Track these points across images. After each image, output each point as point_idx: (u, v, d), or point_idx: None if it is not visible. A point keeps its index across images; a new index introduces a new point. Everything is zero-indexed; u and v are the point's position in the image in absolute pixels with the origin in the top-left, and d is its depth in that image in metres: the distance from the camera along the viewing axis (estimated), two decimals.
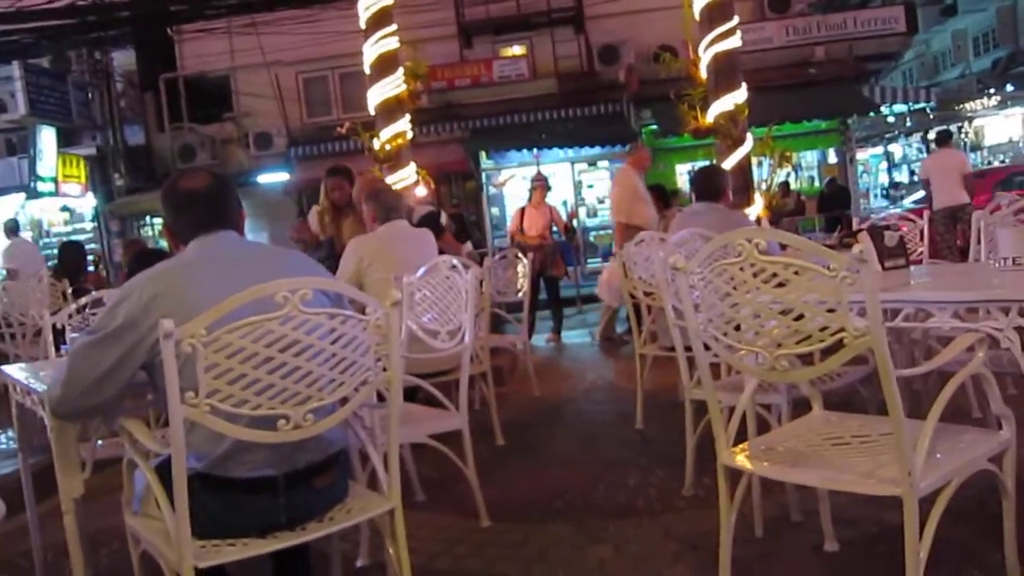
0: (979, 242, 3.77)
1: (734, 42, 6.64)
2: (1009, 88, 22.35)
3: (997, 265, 2.82)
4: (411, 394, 3.57)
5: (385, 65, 7.24)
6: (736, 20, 6.69)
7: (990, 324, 2.28)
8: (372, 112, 7.37)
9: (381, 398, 2.34)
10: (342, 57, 14.76)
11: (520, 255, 6.28)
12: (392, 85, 7.25)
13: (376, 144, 7.29)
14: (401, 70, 7.31)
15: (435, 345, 3.49)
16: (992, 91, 23.00)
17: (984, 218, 3.82)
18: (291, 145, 16.86)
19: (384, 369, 2.16)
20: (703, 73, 6.74)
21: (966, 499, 2.06)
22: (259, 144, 17.03)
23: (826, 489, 2.56)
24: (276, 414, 1.95)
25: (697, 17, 6.72)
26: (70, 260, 7.99)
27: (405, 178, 7.29)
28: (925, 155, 25.62)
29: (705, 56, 6.67)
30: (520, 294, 6.21)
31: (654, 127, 16.18)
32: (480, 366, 4.65)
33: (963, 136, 24.91)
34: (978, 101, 22.90)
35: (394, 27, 7.26)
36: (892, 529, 1.98)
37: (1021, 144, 23.39)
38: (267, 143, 17.00)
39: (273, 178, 17.19)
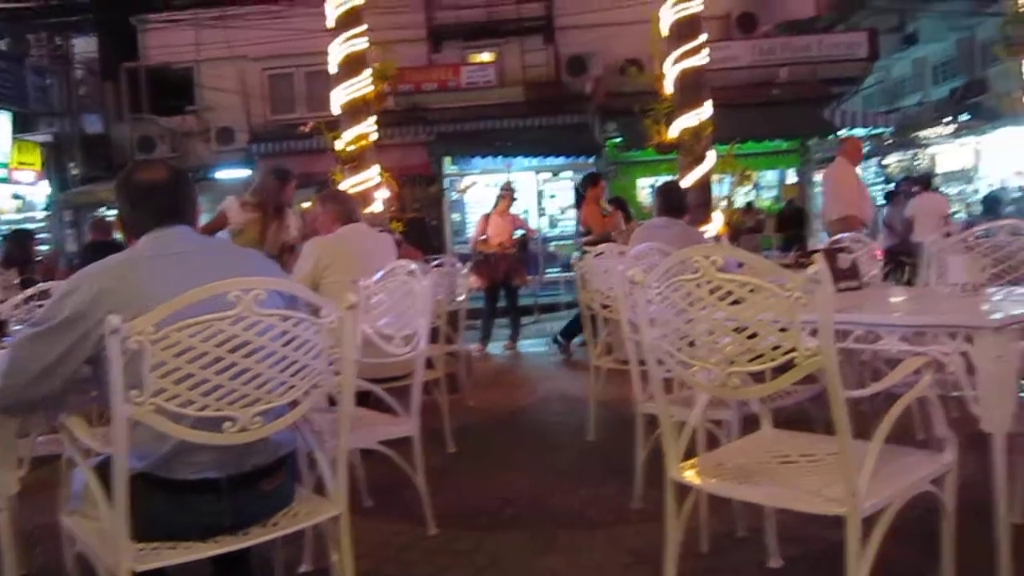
0: (929, 267, 3.84)
1: (701, 59, 6.72)
2: (964, 117, 22.88)
3: (947, 291, 2.88)
4: (362, 399, 3.54)
5: (353, 65, 7.20)
6: (704, 38, 6.78)
7: (937, 348, 2.33)
8: (337, 112, 7.32)
9: (332, 402, 2.31)
10: (309, 55, 14.64)
11: (458, 263, 6.22)
12: (359, 86, 7.20)
13: (340, 144, 7.24)
14: (369, 71, 7.27)
15: (389, 350, 3.46)
16: (948, 119, 23.52)
17: (935, 245, 3.89)
18: (253, 141, 16.69)
19: (336, 373, 2.13)
20: (669, 88, 6.81)
21: (908, 519, 2.09)
22: (221, 139, 16.85)
23: (772, 506, 2.58)
24: (223, 416, 1.91)
25: (665, 33, 6.79)
26: (18, 249, 7.80)
27: (368, 180, 7.25)
28: (882, 178, 26.16)
29: (671, 72, 6.74)
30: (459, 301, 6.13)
31: (618, 140, 16.29)
32: (434, 372, 4.63)
33: (918, 163, 25.47)
34: (935, 129, 23.40)
35: (364, 27, 7.23)
36: (835, 547, 2.00)
37: (972, 173, 23.95)
38: (229, 138, 16.82)
39: (233, 174, 16.99)
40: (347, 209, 4.55)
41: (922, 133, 22.87)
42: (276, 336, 1.96)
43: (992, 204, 12.43)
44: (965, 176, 22.86)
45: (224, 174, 16.98)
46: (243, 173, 16.90)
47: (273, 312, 1.94)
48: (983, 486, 2.38)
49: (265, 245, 5.18)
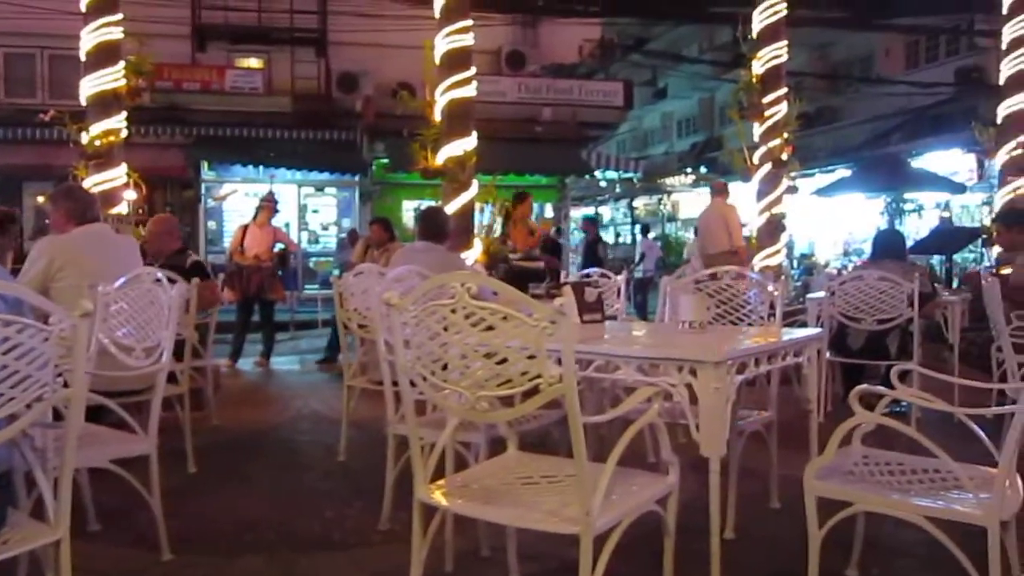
0: (664, 305, 4.20)
1: (469, 91, 6.91)
2: (703, 169, 25.24)
3: (679, 327, 3.16)
4: (96, 414, 3.27)
5: (105, 55, 6.68)
6: (473, 71, 6.98)
7: (666, 379, 2.55)
8: (84, 103, 6.76)
9: (59, 416, 2.13)
10: (55, 37, 13.45)
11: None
12: (110, 77, 6.70)
13: (85, 138, 6.68)
14: (123, 63, 6.78)
15: (128, 362, 3.24)
16: (689, 170, 25.84)
17: (670, 283, 4.26)
18: None
19: (65, 385, 1.97)
20: (438, 115, 6.93)
21: (636, 537, 2.24)
22: None
23: (514, 526, 2.69)
24: None
25: (437, 61, 6.92)
26: None
27: (114, 178, 6.74)
28: (630, 220, 28.12)
29: (441, 100, 6.87)
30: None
31: (385, 161, 16.33)
32: (178, 387, 4.38)
33: (662, 207, 27.69)
34: (677, 178, 25.59)
35: (120, 16, 6.75)
36: (571, 564, 2.12)
37: None
38: None
39: None
40: (84, 207, 4.18)
41: (667, 180, 24.91)
42: None
43: None
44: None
45: None
46: None
47: None
48: (703, 506, 2.63)
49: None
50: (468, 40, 6.92)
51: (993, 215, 8.24)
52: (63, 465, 2.03)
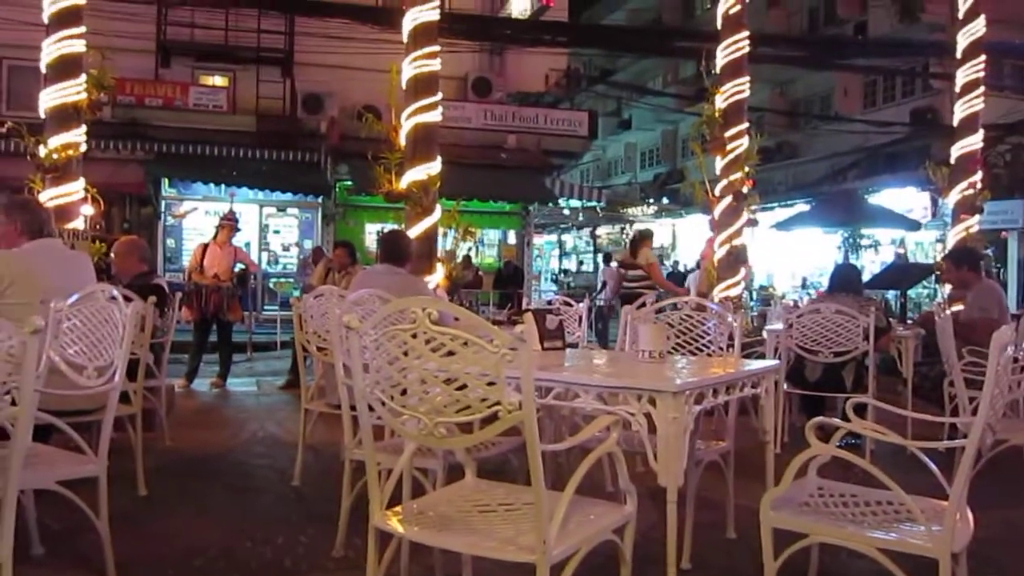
0: (625, 333, 4.22)
1: (435, 116, 6.92)
2: (664, 201, 25.56)
3: (639, 356, 3.17)
4: (45, 433, 3.19)
5: (65, 67, 6.59)
6: (439, 96, 6.99)
7: (624, 408, 2.55)
8: (43, 115, 6.65)
9: (5, 435, 2.07)
10: (15, 48, 13.26)
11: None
12: (71, 90, 6.60)
13: (43, 151, 6.56)
14: (84, 76, 6.70)
15: (80, 381, 3.16)
16: (651, 201, 26.16)
17: (631, 313, 4.28)
18: None
19: (13, 403, 1.92)
20: (402, 140, 6.93)
21: (592, 566, 2.24)
22: None
23: (470, 554, 2.66)
24: None
25: (404, 86, 6.93)
26: None
27: (72, 193, 6.63)
28: (592, 247, 28.34)
29: (406, 124, 6.88)
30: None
31: (349, 183, 16.29)
32: (130, 408, 4.29)
33: (624, 236, 27.94)
34: (639, 208, 25.89)
35: (83, 29, 6.67)
36: None
37: (670, 250, 26.72)
38: None
39: None
40: (38, 221, 4.08)
41: (629, 210, 25.17)
42: None
43: (680, 280, 13.92)
44: (664, 252, 25.40)
45: None
46: None
47: None
48: (660, 535, 2.62)
49: None
50: (435, 65, 6.95)
51: (946, 252, 8.42)
52: (7, 485, 1.97)
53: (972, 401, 4.20)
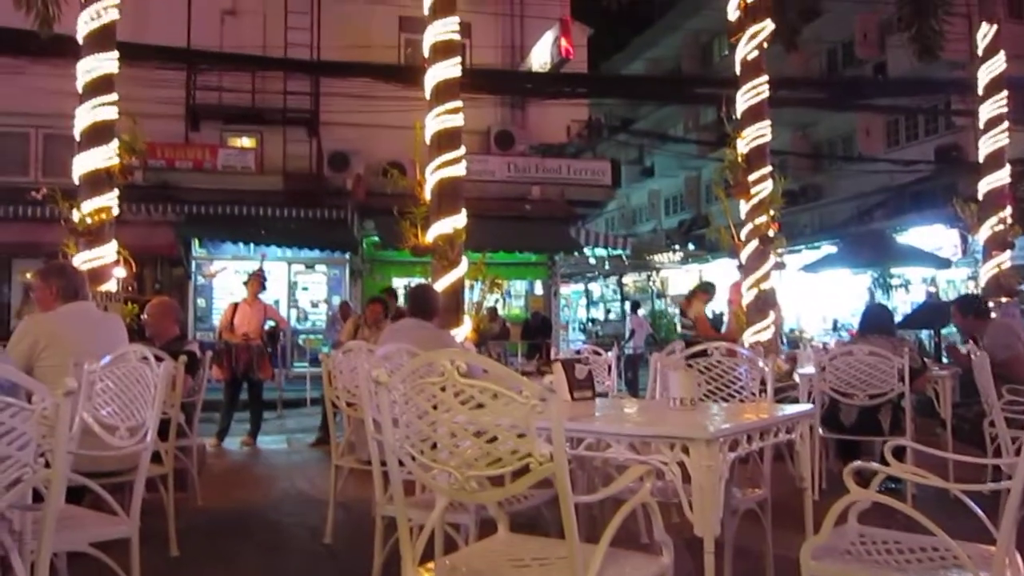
0: (655, 381, 4.17)
1: (459, 170, 7.00)
2: (690, 247, 25.53)
3: (670, 403, 3.13)
4: (77, 494, 3.20)
5: (99, 134, 6.78)
6: (463, 150, 7.09)
7: (657, 457, 2.51)
8: (76, 180, 6.82)
9: (38, 497, 2.08)
10: (48, 116, 13.61)
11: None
12: (104, 156, 6.78)
13: (76, 215, 6.71)
14: (116, 141, 6.87)
15: (112, 442, 3.18)
16: (676, 247, 26.12)
17: (661, 360, 4.24)
18: None
19: (47, 465, 1.93)
20: (427, 194, 7.01)
21: None
22: None
23: None
24: None
25: (427, 141, 7.04)
26: None
27: (104, 256, 6.75)
28: (619, 296, 28.25)
29: (431, 178, 6.96)
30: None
31: (376, 239, 16.43)
32: (161, 468, 4.30)
33: (651, 284, 27.86)
34: (665, 255, 25.86)
35: (115, 96, 6.86)
36: None
37: None
38: None
39: None
40: (73, 285, 4.15)
41: (655, 257, 25.14)
42: None
43: (718, 324, 13.79)
44: None
45: None
46: None
47: None
48: None
49: None
50: (458, 120, 7.05)
51: (981, 289, 8.32)
52: (40, 548, 1.97)
53: (1015, 441, 4.09)
